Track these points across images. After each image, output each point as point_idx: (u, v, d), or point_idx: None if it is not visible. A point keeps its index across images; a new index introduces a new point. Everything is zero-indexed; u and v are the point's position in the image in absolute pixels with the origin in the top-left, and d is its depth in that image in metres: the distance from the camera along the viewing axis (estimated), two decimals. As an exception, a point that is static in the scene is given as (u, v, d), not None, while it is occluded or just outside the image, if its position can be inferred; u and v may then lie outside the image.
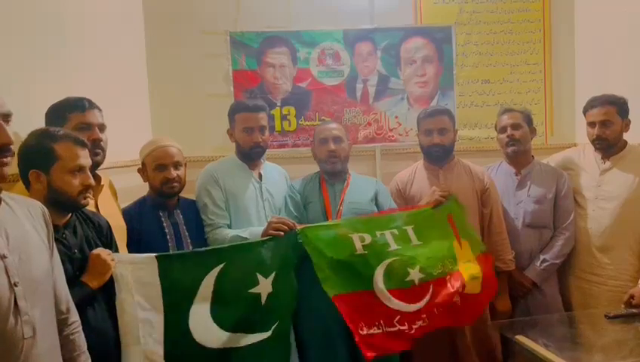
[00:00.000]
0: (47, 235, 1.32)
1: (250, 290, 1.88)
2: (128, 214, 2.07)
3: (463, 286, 2.09)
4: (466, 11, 3.32)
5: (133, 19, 3.00)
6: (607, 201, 2.40)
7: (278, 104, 3.21)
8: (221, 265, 1.83)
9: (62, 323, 1.35)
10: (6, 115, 1.17)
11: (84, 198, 1.54)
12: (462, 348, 2.33)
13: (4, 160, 1.16)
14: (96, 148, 1.79)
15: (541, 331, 1.92)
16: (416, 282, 2.04)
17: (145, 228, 2.06)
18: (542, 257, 2.47)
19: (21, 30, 1.89)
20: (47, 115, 1.76)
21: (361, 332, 1.94)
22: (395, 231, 2.11)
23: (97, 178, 1.86)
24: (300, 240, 2.00)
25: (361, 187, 2.37)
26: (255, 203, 2.31)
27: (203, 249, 1.97)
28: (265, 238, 1.99)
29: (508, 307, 2.44)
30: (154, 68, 3.08)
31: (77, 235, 1.58)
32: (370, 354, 1.89)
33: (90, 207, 1.70)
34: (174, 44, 3.12)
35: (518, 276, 2.48)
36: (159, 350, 1.70)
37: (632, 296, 2.07)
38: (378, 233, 2.07)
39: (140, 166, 2.15)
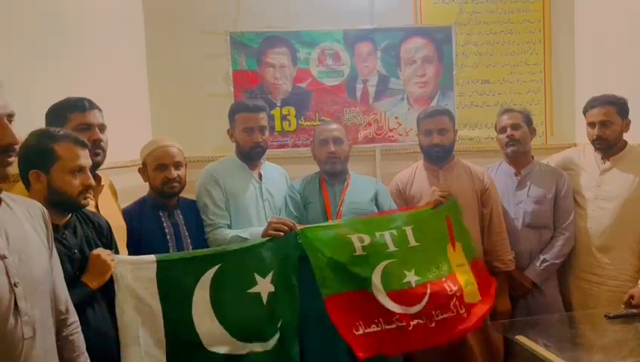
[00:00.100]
0: (47, 236, 1.31)
1: (248, 290, 1.87)
2: (128, 214, 2.07)
3: (461, 290, 2.08)
4: (466, 11, 3.32)
5: (133, 19, 3.00)
6: (607, 201, 2.39)
7: (278, 104, 3.21)
8: (218, 266, 1.83)
9: (61, 324, 1.35)
10: (10, 116, 1.18)
11: (85, 198, 1.54)
12: (464, 349, 2.32)
13: (9, 159, 1.16)
14: (97, 149, 1.79)
15: (541, 331, 1.92)
16: (413, 284, 2.03)
17: (145, 228, 2.07)
18: (542, 257, 2.47)
19: (21, 30, 1.90)
20: (47, 115, 1.76)
21: (355, 332, 1.94)
22: (394, 232, 2.10)
23: (97, 178, 1.85)
24: (300, 241, 1.99)
25: (361, 187, 2.37)
26: (255, 203, 2.30)
27: (202, 250, 1.97)
28: (265, 239, 1.99)
29: (508, 307, 2.44)
30: (154, 68, 3.08)
31: (77, 235, 1.58)
32: (361, 354, 1.89)
33: (91, 208, 1.70)
34: (174, 44, 3.12)
35: (518, 276, 2.48)
36: (159, 350, 1.70)
37: (632, 296, 2.07)
38: (377, 234, 2.07)
39: (141, 166, 2.15)
